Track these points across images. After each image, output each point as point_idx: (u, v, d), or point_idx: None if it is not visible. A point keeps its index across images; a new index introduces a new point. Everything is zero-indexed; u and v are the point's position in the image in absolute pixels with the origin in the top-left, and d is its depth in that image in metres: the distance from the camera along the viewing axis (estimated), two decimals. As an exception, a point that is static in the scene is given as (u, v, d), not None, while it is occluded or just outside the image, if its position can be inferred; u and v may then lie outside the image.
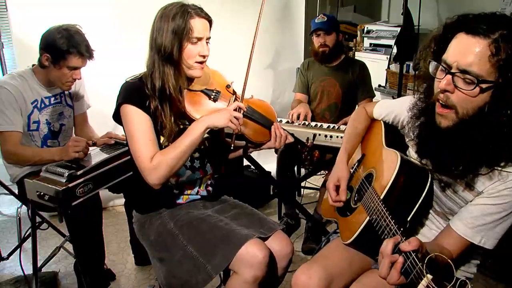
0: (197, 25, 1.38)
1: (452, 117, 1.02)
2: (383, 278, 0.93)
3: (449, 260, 0.88)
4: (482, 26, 0.94)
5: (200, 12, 1.39)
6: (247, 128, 1.53)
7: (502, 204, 1.04)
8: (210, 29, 1.43)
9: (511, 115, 0.95)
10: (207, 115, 1.41)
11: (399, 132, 1.42)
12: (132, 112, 1.37)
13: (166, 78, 1.39)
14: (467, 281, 0.79)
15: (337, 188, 1.38)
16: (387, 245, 0.93)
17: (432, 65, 1.06)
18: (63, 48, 1.78)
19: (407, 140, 1.34)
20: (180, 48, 1.37)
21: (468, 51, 0.95)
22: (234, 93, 1.56)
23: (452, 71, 0.98)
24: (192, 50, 1.39)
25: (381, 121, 1.48)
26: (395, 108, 1.41)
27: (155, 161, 1.34)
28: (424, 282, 0.83)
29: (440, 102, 1.03)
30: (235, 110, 1.41)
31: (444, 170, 1.11)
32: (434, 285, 0.81)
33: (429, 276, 0.83)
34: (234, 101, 1.52)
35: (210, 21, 1.43)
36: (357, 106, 2.69)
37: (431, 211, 1.25)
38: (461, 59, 0.96)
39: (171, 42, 1.36)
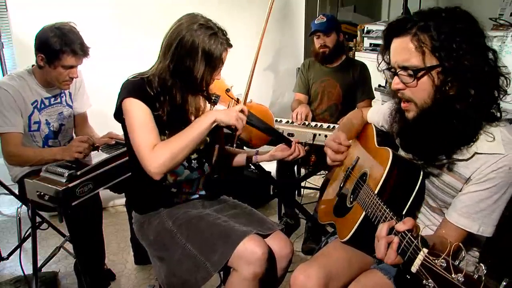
0: (224, 56, 1.40)
1: (413, 108, 1.11)
2: (381, 259, 0.96)
3: (460, 244, 0.91)
4: (404, 26, 1.06)
5: (228, 45, 1.41)
6: (244, 132, 1.54)
7: (491, 187, 1.07)
8: None
9: (458, 89, 1.04)
10: (215, 110, 1.42)
11: (389, 134, 1.44)
12: (134, 104, 1.36)
13: (185, 98, 1.42)
14: (460, 244, 0.84)
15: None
16: (382, 228, 0.98)
17: (386, 74, 1.17)
18: (56, 48, 1.76)
19: (397, 141, 1.37)
20: (209, 79, 1.41)
21: (400, 50, 1.08)
22: (233, 97, 1.57)
23: (397, 71, 1.09)
24: (212, 77, 1.43)
25: (372, 125, 1.51)
26: (384, 112, 1.44)
27: (157, 149, 1.32)
28: (420, 256, 0.85)
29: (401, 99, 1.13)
30: (240, 111, 1.42)
31: (427, 158, 1.17)
32: (430, 258, 0.82)
33: (425, 250, 0.85)
34: (234, 105, 1.53)
35: None
36: (356, 106, 2.69)
37: (426, 207, 1.26)
38: (398, 58, 1.08)
39: (202, 74, 1.38)
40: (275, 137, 1.66)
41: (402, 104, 1.14)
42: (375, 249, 0.98)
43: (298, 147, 1.62)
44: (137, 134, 1.35)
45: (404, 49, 1.06)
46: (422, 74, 1.05)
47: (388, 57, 1.15)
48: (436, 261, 0.81)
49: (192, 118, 1.47)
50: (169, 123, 1.42)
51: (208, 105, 1.51)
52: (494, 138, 1.07)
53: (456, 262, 0.80)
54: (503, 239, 1.14)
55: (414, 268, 0.86)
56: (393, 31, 1.10)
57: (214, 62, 1.38)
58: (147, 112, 1.37)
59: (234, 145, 1.49)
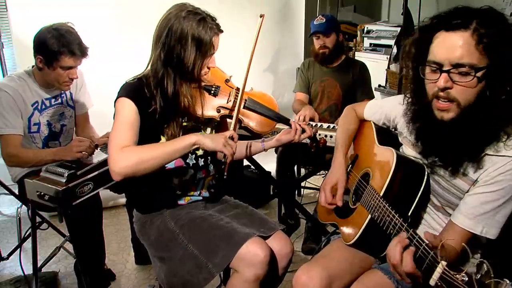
0: (216, 42, 1.39)
1: (454, 109, 1.05)
2: (395, 265, 0.93)
3: (464, 245, 0.90)
4: (458, 21, 1.00)
5: (219, 30, 1.39)
6: (250, 121, 1.54)
7: (498, 190, 1.05)
8: None
9: (510, 90, 1.00)
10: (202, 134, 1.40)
11: (390, 130, 1.43)
12: (123, 103, 1.35)
13: (180, 90, 1.40)
14: (484, 261, 0.79)
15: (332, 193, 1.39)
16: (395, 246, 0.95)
17: (421, 70, 1.09)
18: (54, 49, 1.76)
19: (400, 138, 1.36)
20: (201, 66, 1.39)
21: (454, 46, 1.00)
22: (233, 86, 1.57)
23: (446, 68, 1.02)
24: (205, 64, 1.41)
25: (372, 122, 1.49)
26: (385, 109, 1.43)
27: (126, 150, 1.27)
28: (439, 269, 0.83)
29: (440, 99, 1.06)
30: (229, 138, 1.36)
31: (452, 161, 1.12)
32: (451, 272, 0.81)
33: (444, 263, 0.83)
34: (235, 94, 1.53)
35: None
36: None
37: (430, 206, 1.26)
38: (451, 55, 1.00)
39: (194, 61, 1.35)
40: (277, 120, 1.62)
41: (440, 104, 1.06)
42: (389, 258, 0.96)
43: (298, 125, 1.58)
44: (113, 131, 1.33)
45: (460, 46, 0.99)
46: (483, 73, 0.99)
47: (416, 52, 1.10)
48: (457, 275, 0.79)
49: (189, 109, 1.44)
50: (165, 118, 1.40)
51: (209, 96, 1.50)
52: (507, 138, 1.05)
53: (478, 276, 0.78)
54: (504, 239, 1.13)
55: (432, 281, 0.84)
56: (443, 23, 1.03)
57: (204, 48, 1.36)
58: (133, 113, 1.34)
59: (225, 175, 1.38)
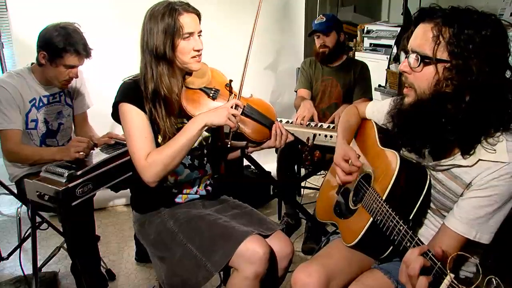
0: (186, 20, 1.38)
1: (412, 94, 1.11)
2: (411, 277, 0.92)
3: (463, 253, 0.89)
4: (433, 14, 1.06)
5: (188, 7, 1.40)
6: (246, 127, 1.54)
7: (492, 195, 1.05)
8: (200, 22, 1.44)
9: (454, 90, 1.03)
10: (205, 112, 1.41)
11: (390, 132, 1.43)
12: (129, 110, 1.39)
13: (159, 79, 1.39)
14: (493, 277, 0.79)
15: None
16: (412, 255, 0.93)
17: (401, 56, 1.14)
18: (60, 46, 1.77)
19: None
20: (173, 46, 1.38)
21: (418, 35, 1.08)
22: (233, 91, 1.56)
23: (409, 54, 1.09)
24: (186, 46, 1.40)
25: (373, 122, 1.49)
26: (386, 109, 1.42)
27: (150, 159, 1.35)
28: (446, 281, 0.83)
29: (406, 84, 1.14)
30: (232, 107, 1.40)
31: (411, 147, 1.18)
32: (458, 284, 0.80)
33: (452, 275, 0.82)
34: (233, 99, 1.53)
35: (198, 15, 1.44)
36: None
37: (428, 209, 1.26)
38: (413, 42, 1.09)
39: (163, 41, 1.37)
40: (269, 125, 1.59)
41: (405, 89, 1.14)
42: (407, 266, 0.94)
43: (279, 131, 1.55)
44: (132, 141, 1.38)
45: (422, 35, 1.06)
46: (428, 62, 1.04)
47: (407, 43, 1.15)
48: None
49: (185, 105, 1.45)
50: (155, 116, 1.40)
51: (208, 99, 1.49)
52: (499, 147, 1.05)
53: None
54: (504, 240, 1.13)
55: None
56: (422, 16, 1.09)
57: (171, 29, 1.36)
58: (143, 118, 1.39)
59: (229, 142, 1.47)
